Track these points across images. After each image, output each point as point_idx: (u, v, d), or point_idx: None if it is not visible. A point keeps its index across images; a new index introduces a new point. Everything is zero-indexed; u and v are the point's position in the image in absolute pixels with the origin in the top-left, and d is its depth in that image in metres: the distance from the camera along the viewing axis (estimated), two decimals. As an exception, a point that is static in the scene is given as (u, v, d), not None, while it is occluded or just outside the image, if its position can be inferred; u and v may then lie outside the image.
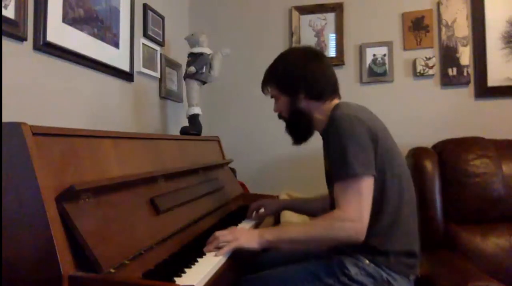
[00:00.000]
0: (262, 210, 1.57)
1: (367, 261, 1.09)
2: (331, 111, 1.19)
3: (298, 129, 1.29)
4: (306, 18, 2.39)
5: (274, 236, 1.10)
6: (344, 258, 1.11)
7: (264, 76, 1.33)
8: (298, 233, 1.11)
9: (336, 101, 1.26)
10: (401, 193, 1.13)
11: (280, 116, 1.33)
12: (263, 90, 1.34)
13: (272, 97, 1.33)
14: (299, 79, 1.22)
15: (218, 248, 1.07)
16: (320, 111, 1.23)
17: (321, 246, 1.15)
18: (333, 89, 1.26)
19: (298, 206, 1.58)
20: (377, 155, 1.09)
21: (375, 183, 1.07)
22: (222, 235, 1.10)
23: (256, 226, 1.49)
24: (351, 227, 1.02)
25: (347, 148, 1.05)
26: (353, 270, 1.08)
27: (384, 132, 1.16)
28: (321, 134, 1.29)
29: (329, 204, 1.25)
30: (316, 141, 1.30)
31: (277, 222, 1.90)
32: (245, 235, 1.11)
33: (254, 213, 1.56)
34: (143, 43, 1.92)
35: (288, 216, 1.91)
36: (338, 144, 1.07)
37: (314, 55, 1.27)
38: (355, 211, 1.03)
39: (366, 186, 1.05)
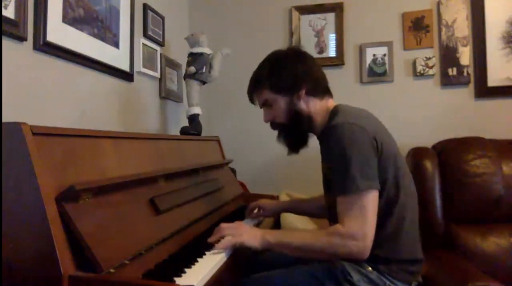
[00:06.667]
0: (256, 211, 1.56)
1: (369, 268, 1.07)
2: (329, 115, 1.15)
3: (298, 132, 1.22)
4: (306, 18, 2.39)
5: (276, 239, 1.09)
6: (347, 264, 1.08)
7: (251, 83, 1.24)
8: (300, 241, 1.07)
9: (332, 101, 1.21)
10: (405, 203, 1.10)
11: (273, 125, 1.25)
12: (251, 99, 1.26)
13: (262, 105, 1.24)
14: (298, 72, 1.16)
15: (223, 237, 1.09)
16: (318, 110, 1.18)
17: (321, 258, 1.12)
18: (327, 86, 1.22)
19: (297, 208, 1.55)
20: (381, 166, 1.05)
21: (379, 194, 1.04)
22: (228, 227, 1.12)
23: (256, 226, 1.48)
24: (354, 245, 1.00)
25: (350, 160, 1.00)
26: (355, 277, 1.06)
27: (386, 138, 1.12)
28: (318, 137, 1.23)
29: (327, 210, 1.22)
30: (315, 141, 1.27)
31: (277, 222, 1.90)
32: (249, 233, 1.11)
33: (253, 212, 1.56)
34: (143, 43, 1.92)
35: (289, 217, 1.91)
36: (340, 155, 1.02)
37: (302, 51, 1.23)
38: (359, 229, 1.00)
39: (371, 201, 1.01)
